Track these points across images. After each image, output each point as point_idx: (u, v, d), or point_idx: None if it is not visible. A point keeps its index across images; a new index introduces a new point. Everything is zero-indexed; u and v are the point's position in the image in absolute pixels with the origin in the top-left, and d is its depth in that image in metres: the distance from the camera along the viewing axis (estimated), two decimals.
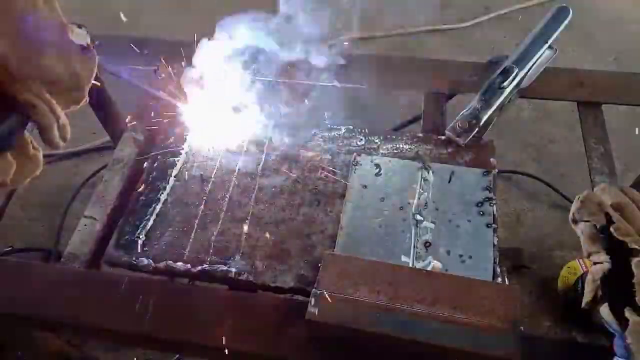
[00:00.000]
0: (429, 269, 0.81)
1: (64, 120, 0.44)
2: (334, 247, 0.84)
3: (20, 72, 0.37)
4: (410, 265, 0.82)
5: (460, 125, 0.97)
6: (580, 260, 1.46)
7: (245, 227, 0.88)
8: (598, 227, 0.69)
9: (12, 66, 0.36)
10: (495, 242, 0.84)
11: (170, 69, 1.07)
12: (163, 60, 1.08)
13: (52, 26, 0.38)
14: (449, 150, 0.97)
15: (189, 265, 0.84)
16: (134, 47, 1.19)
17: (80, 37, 0.44)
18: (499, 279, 0.80)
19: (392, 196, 0.90)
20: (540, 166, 1.80)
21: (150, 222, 0.89)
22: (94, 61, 0.46)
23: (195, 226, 0.89)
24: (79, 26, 0.44)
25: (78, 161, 1.80)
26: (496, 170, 0.93)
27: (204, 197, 0.92)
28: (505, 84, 1.00)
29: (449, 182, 0.92)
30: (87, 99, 0.46)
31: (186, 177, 0.95)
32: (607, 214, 0.69)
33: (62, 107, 0.43)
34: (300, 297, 0.81)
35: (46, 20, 0.37)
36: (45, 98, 0.40)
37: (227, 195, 0.93)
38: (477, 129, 0.97)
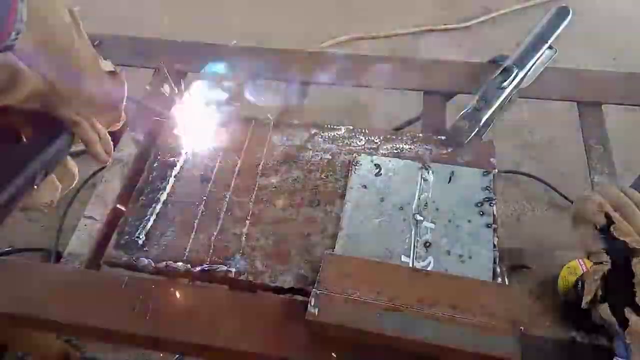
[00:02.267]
0: (428, 269, 0.81)
1: (106, 136, 0.52)
2: (334, 247, 0.84)
3: (65, 95, 0.44)
4: (410, 265, 0.82)
5: (460, 125, 0.97)
6: (580, 260, 1.47)
7: (245, 227, 0.88)
8: (598, 227, 0.69)
9: (59, 90, 0.43)
10: (495, 242, 0.84)
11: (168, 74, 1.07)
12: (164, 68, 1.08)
13: (87, 57, 0.46)
14: (449, 150, 0.97)
15: (189, 265, 0.84)
16: (134, 48, 1.19)
17: (107, 65, 0.51)
18: (499, 279, 0.80)
19: (392, 196, 0.90)
20: (540, 166, 1.81)
21: (150, 222, 0.89)
22: (124, 83, 0.54)
23: (195, 226, 0.89)
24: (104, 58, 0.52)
25: (78, 161, 1.79)
26: (496, 170, 0.93)
27: (204, 197, 0.92)
28: (505, 84, 1.00)
29: (449, 182, 0.92)
30: (124, 117, 0.54)
31: (186, 177, 0.95)
32: (607, 214, 0.69)
33: (104, 126, 0.51)
34: (300, 297, 0.81)
35: (82, 52, 0.45)
36: (87, 117, 0.48)
37: (227, 195, 0.93)
38: (477, 129, 0.97)
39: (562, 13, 1.07)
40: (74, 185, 0.55)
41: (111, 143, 0.54)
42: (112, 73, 0.52)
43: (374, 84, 1.13)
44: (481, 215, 0.87)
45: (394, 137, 1.00)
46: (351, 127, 1.02)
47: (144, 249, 0.86)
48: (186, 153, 0.98)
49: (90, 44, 0.47)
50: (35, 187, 0.48)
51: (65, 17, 0.43)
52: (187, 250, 0.86)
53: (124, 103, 0.54)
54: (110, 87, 0.50)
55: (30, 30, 0.36)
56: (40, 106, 0.43)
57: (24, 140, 0.47)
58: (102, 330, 0.79)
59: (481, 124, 0.97)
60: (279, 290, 0.82)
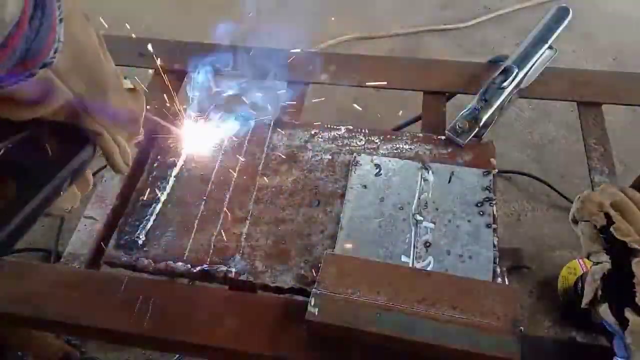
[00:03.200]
0: (428, 269, 0.81)
1: (125, 148, 0.56)
2: (334, 247, 0.84)
3: (90, 108, 0.48)
4: (410, 265, 0.82)
5: (460, 125, 0.97)
6: (580, 260, 1.47)
7: (245, 227, 0.88)
8: (598, 227, 0.69)
9: (85, 104, 0.47)
10: (495, 242, 0.84)
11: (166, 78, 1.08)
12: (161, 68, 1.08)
13: (111, 75, 0.50)
14: (449, 150, 0.97)
15: (189, 265, 0.84)
16: (134, 48, 1.19)
17: (127, 84, 0.56)
18: (499, 279, 0.80)
19: (392, 196, 0.90)
20: (540, 166, 1.80)
21: (150, 222, 0.89)
22: (143, 99, 0.58)
23: (195, 226, 0.89)
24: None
25: None
26: (496, 170, 0.93)
27: (204, 197, 0.92)
28: (505, 84, 1.00)
29: (449, 182, 0.92)
30: (142, 132, 0.59)
31: (186, 177, 0.95)
32: (607, 214, 0.69)
33: (124, 138, 0.55)
34: (300, 297, 0.81)
35: (107, 70, 0.49)
36: (108, 129, 0.52)
37: (227, 195, 0.93)
38: (477, 129, 0.97)
39: (562, 13, 1.07)
40: (89, 191, 0.58)
41: (130, 154, 0.57)
42: (132, 90, 0.56)
43: (374, 84, 1.13)
44: (481, 215, 0.87)
45: (394, 137, 1.00)
46: (351, 127, 1.02)
47: (144, 249, 0.86)
48: (186, 153, 0.98)
49: (113, 63, 0.52)
50: (62, 194, 0.52)
51: (93, 38, 0.48)
52: (187, 250, 0.86)
53: (142, 118, 0.58)
54: (130, 103, 0.54)
55: (64, 49, 0.40)
56: (66, 118, 0.47)
57: (50, 151, 0.50)
58: (102, 330, 0.79)
59: (481, 124, 0.97)
60: (279, 290, 0.83)
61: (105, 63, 0.49)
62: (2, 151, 0.47)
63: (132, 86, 0.56)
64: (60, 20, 0.39)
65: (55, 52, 0.39)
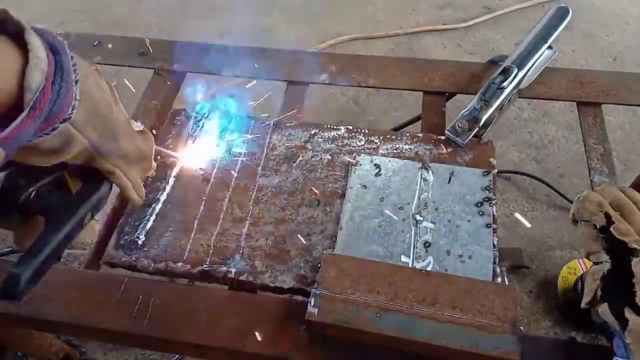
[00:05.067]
0: (428, 269, 0.81)
1: (137, 183, 0.63)
2: (334, 247, 0.84)
3: (104, 152, 0.55)
4: (410, 265, 0.82)
5: (459, 125, 0.97)
6: (580, 260, 1.47)
7: (245, 227, 0.88)
8: (598, 227, 0.69)
9: (100, 148, 0.53)
10: (495, 242, 0.84)
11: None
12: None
13: (122, 121, 0.56)
14: (449, 150, 0.97)
15: (188, 265, 0.84)
16: (134, 48, 1.19)
17: (136, 126, 0.61)
18: (499, 279, 0.80)
19: (391, 196, 0.90)
20: (540, 166, 1.81)
21: (150, 222, 0.89)
22: (152, 140, 0.64)
23: (195, 226, 0.89)
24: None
25: None
26: (496, 170, 0.93)
27: (204, 197, 0.92)
28: (505, 84, 1.00)
29: (449, 182, 0.92)
30: (155, 166, 0.65)
31: (186, 177, 0.95)
32: (607, 214, 0.69)
33: (137, 174, 0.62)
34: (300, 297, 0.81)
35: (118, 118, 0.55)
36: (121, 167, 0.58)
37: (227, 195, 0.93)
38: (476, 129, 0.97)
39: (562, 13, 1.07)
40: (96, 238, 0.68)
41: (143, 188, 0.64)
42: (141, 132, 0.63)
43: (374, 84, 1.13)
44: (481, 215, 0.87)
45: (393, 137, 1.00)
46: (351, 127, 1.02)
47: (144, 249, 0.86)
48: (186, 153, 0.98)
49: (124, 110, 0.58)
50: (83, 227, 0.58)
51: (106, 92, 0.53)
52: (187, 250, 0.86)
53: (152, 155, 0.65)
54: (140, 143, 0.61)
55: (81, 105, 0.47)
56: (84, 161, 0.54)
57: (73, 190, 0.58)
58: (102, 330, 0.79)
59: (481, 124, 0.97)
60: (279, 290, 0.82)
61: (117, 112, 0.55)
62: (34, 193, 0.53)
63: (141, 128, 0.63)
64: (76, 82, 0.46)
65: (73, 109, 0.46)
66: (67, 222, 0.55)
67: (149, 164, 0.64)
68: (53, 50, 0.44)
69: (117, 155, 0.56)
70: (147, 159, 0.63)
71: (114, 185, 0.61)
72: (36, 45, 0.42)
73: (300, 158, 0.97)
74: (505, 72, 1.01)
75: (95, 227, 0.62)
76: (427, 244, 0.84)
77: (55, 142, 0.47)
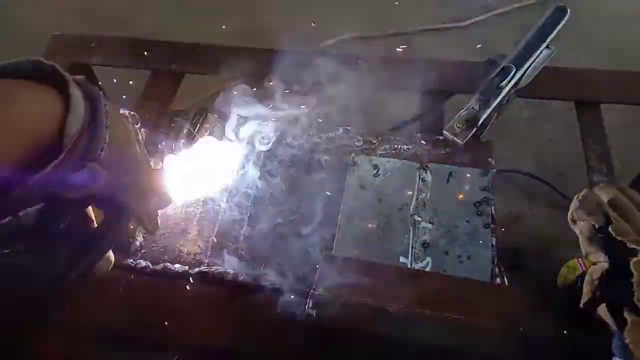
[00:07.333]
0: (427, 270, 0.81)
1: (153, 215, 0.67)
2: (333, 248, 0.84)
3: (125, 186, 0.59)
4: (409, 266, 0.82)
5: (458, 125, 0.97)
6: (580, 260, 1.47)
7: (244, 228, 0.88)
8: (596, 226, 0.69)
9: (120, 184, 0.58)
10: (494, 243, 0.84)
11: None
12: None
13: (142, 160, 0.61)
14: (447, 150, 0.97)
15: (186, 267, 0.84)
16: (133, 48, 1.19)
17: (154, 164, 0.68)
18: (498, 279, 0.80)
19: (390, 197, 0.90)
20: (539, 166, 1.81)
21: None
22: (164, 175, 0.69)
23: (193, 227, 0.89)
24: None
25: None
26: (494, 170, 0.93)
27: (203, 198, 0.92)
28: (503, 83, 0.99)
29: (447, 182, 0.92)
30: (171, 200, 0.68)
31: (185, 177, 0.95)
32: (605, 214, 0.69)
33: (153, 208, 0.66)
34: (299, 297, 0.81)
35: (138, 156, 0.60)
36: (138, 200, 0.62)
37: (225, 196, 0.92)
38: (475, 129, 0.97)
39: (560, 12, 1.07)
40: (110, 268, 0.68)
41: (157, 219, 0.68)
42: (158, 169, 0.69)
43: (373, 84, 1.12)
44: (479, 215, 0.87)
45: (392, 137, 1.00)
46: (349, 128, 1.02)
47: (142, 250, 0.86)
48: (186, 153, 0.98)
49: (144, 148, 0.63)
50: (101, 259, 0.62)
51: (132, 136, 0.59)
52: (185, 251, 0.86)
53: (166, 188, 0.69)
54: (157, 180, 0.65)
55: (108, 147, 0.52)
56: (106, 195, 0.57)
57: (95, 221, 0.61)
58: (102, 331, 0.79)
59: (479, 123, 0.97)
60: (277, 291, 0.82)
61: (139, 153, 0.60)
62: (66, 223, 0.57)
63: (159, 167, 0.70)
64: (107, 127, 0.51)
65: (102, 150, 0.51)
66: (90, 252, 0.59)
67: (165, 198, 0.68)
68: (90, 98, 0.51)
69: (135, 191, 0.61)
70: (163, 194, 0.68)
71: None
72: (76, 96, 0.49)
73: (300, 158, 0.97)
74: (504, 72, 1.01)
75: (111, 257, 0.65)
76: (426, 245, 0.84)
77: (85, 177, 0.52)
